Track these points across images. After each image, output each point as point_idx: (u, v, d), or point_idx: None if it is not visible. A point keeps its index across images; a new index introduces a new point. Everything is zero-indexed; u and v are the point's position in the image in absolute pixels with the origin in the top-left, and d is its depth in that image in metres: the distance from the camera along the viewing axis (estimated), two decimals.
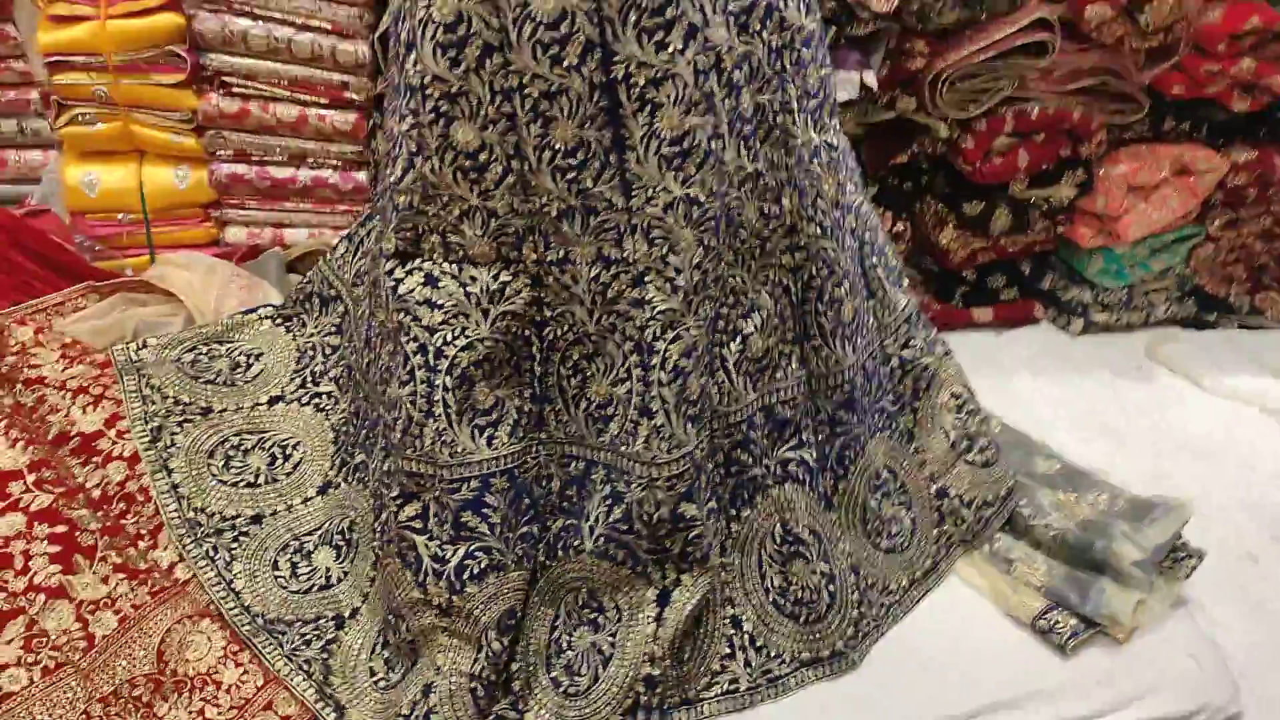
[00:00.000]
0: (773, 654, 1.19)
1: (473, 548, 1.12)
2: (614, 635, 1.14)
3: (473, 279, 1.11)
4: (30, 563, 1.13)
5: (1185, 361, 1.82)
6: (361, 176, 1.77)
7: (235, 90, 1.69)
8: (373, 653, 1.17)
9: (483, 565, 1.12)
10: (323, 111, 1.71)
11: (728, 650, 1.19)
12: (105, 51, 1.64)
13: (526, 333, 1.14)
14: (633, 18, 0.96)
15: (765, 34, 1.06)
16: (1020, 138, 1.71)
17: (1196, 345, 1.89)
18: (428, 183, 1.07)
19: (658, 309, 1.07)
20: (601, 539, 1.14)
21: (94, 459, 1.31)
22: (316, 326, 1.47)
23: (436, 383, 1.10)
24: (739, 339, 1.17)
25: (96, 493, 1.28)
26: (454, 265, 1.11)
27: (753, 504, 1.23)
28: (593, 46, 0.97)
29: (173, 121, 1.73)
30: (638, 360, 1.09)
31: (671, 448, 1.10)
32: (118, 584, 1.16)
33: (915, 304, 1.36)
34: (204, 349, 1.45)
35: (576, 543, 1.16)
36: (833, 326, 1.20)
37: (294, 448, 1.37)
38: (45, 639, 1.09)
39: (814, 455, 1.24)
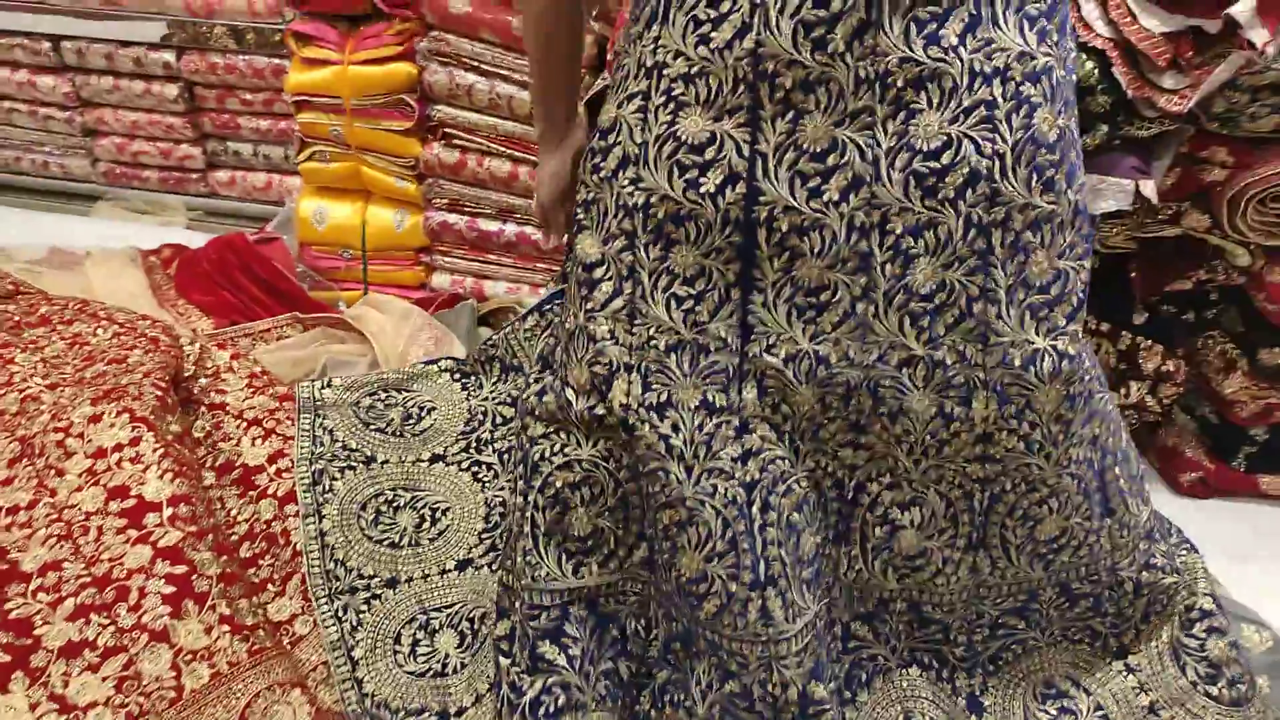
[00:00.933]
0: None
1: (550, 681, 1.02)
2: None
3: (574, 398, 1.02)
4: (144, 600, 1.13)
5: None
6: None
7: (455, 142, 1.70)
8: None
9: (559, 703, 1.02)
10: (533, 169, 1.68)
11: None
12: (344, 95, 1.70)
13: (625, 476, 1.04)
14: (789, 156, 0.88)
15: (963, 204, 0.89)
16: None
17: None
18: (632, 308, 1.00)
19: (766, 460, 0.97)
20: (716, 708, 1.02)
21: (250, 493, 1.32)
22: (493, 391, 1.42)
23: (531, 498, 1.02)
24: (887, 526, 1.02)
25: (243, 528, 1.28)
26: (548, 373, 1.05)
27: (869, 687, 1.07)
28: (737, 179, 0.90)
29: (398, 167, 1.77)
30: (744, 528, 0.96)
31: (791, 616, 0.97)
32: (219, 636, 1.14)
33: (1153, 512, 1.11)
34: (382, 395, 1.44)
35: (688, 703, 1.03)
36: (1019, 542, 1.03)
37: (444, 513, 1.32)
38: (138, 683, 1.08)
39: (959, 653, 1.07)
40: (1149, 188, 1.31)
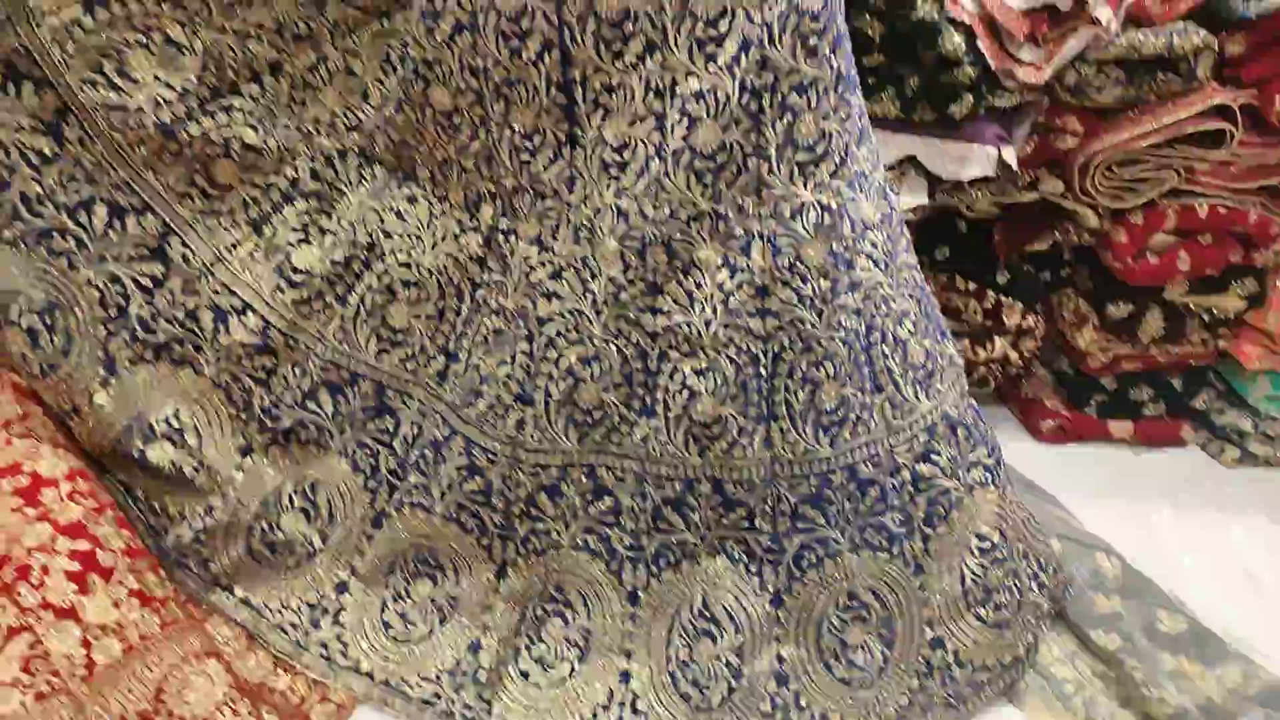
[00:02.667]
0: None
1: (304, 418, 1.19)
2: (454, 598, 1.20)
3: (442, 214, 1.16)
4: (47, 578, 1.10)
5: None
6: None
7: None
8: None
9: (303, 438, 1.20)
10: None
11: (604, 702, 1.14)
12: None
13: (460, 285, 1.17)
14: (591, 24, 0.98)
15: (738, 69, 0.99)
16: (1183, 236, 1.52)
17: None
18: (413, 130, 1.14)
19: (567, 306, 1.10)
20: (454, 504, 1.17)
21: None
22: None
23: (368, 280, 1.16)
24: (685, 392, 1.11)
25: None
26: (438, 198, 1.16)
27: (677, 567, 1.17)
28: (551, 46, 1.00)
29: None
30: (525, 349, 1.12)
31: (544, 440, 1.14)
32: (129, 610, 1.12)
33: (948, 416, 1.19)
34: None
35: (426, 503, 1.18)
36: (803, 409, 1.12)
37: None
38: (46, 661, 1.05)
39: (763, 543, 1.16)
40: (1010, 154, 1.42)
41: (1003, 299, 1.58)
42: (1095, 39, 1.33)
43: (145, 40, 1.06)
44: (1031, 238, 1.57)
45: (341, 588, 1.21)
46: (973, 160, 1.42)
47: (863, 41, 1.34)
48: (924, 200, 1.46)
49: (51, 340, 1.10)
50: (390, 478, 1.22)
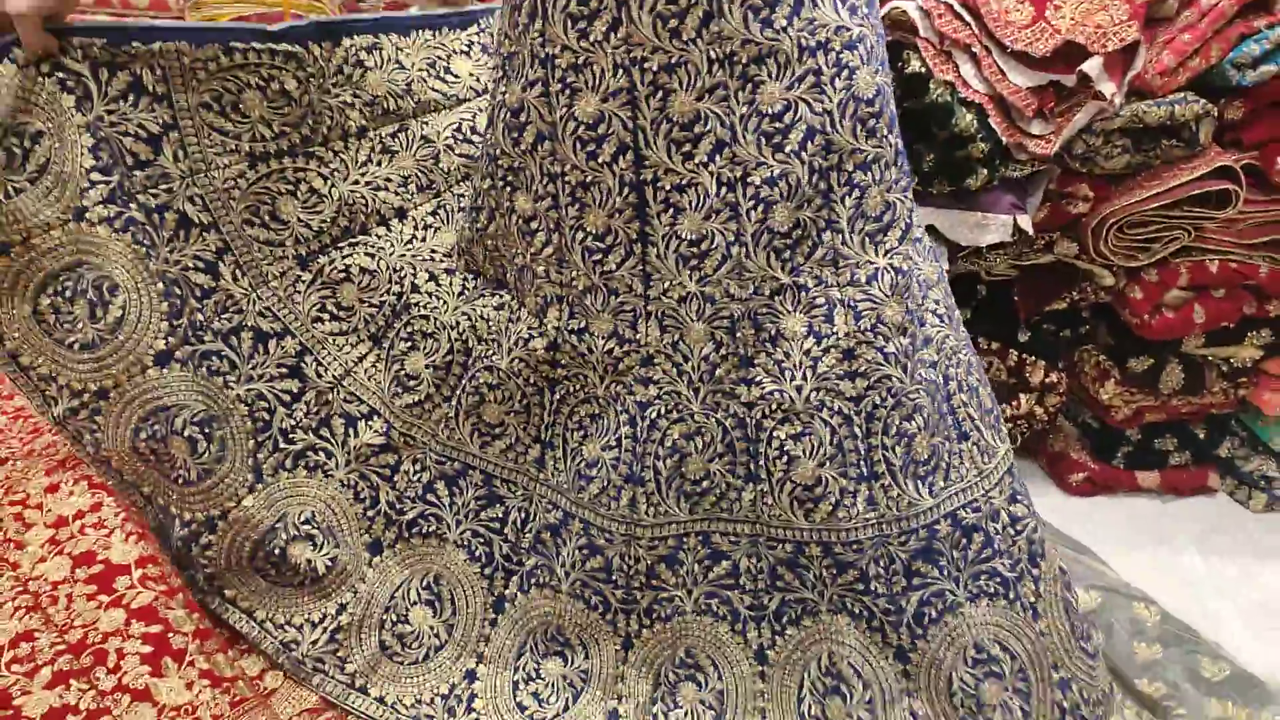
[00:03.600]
0: None
1: (425, 510, 1.27)
2: (585, 671, 1.24)
3: (517, 320, 1.24)
4: (123, 662, 1.14)
5: None
6: None
7: None
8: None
9: (428, 529, 1.27)
10: None
11: None
12: None
13: (538, 384, 1.25)
14: (664, 128, 1.06)
15: (805, 154, 1.08)
16: (1196, 291, 1.57)
17: None
18: (504, 237, 1.23)
19: (665, 389, 1.17)
20: (578, 583, 1.22)
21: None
22: None
23: (463, 382, 1.25)
24: (784, 458, 1.15)
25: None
26: (518, 304, 1.25)
27: (799, 624, 1.20)
28: (625, 149, 1.08)
29: None
30: (630, 432, 1.18)
31: (658, 515, 1.19)
32: (200, 690, 1.16)
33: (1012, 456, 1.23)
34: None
35: (553, 581, 1.24)
36: (902, 463, 1.15)
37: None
38: None
39: (880, 605, 1.17)
40: (1025, 221, 1.48)
41: (1025, 357, 1.63)
42: (1101, 111, 1.40)
43: (293, 189, 1.23)
44: (1050, 298, 1.62)
45: (470, 675, 1.25)
46: (990, 228, 1.48)
47: None
48: (945, 266, 1.51)
49: (209, 449, 1.20)
50: (505, 563, 1.29)
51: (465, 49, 1.32)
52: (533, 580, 1.26)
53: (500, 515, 1.29)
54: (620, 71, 1.05)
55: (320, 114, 1.23)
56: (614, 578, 1.21)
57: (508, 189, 1.19)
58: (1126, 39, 1.34)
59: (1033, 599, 1.18)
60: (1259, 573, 1.55)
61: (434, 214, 1.30)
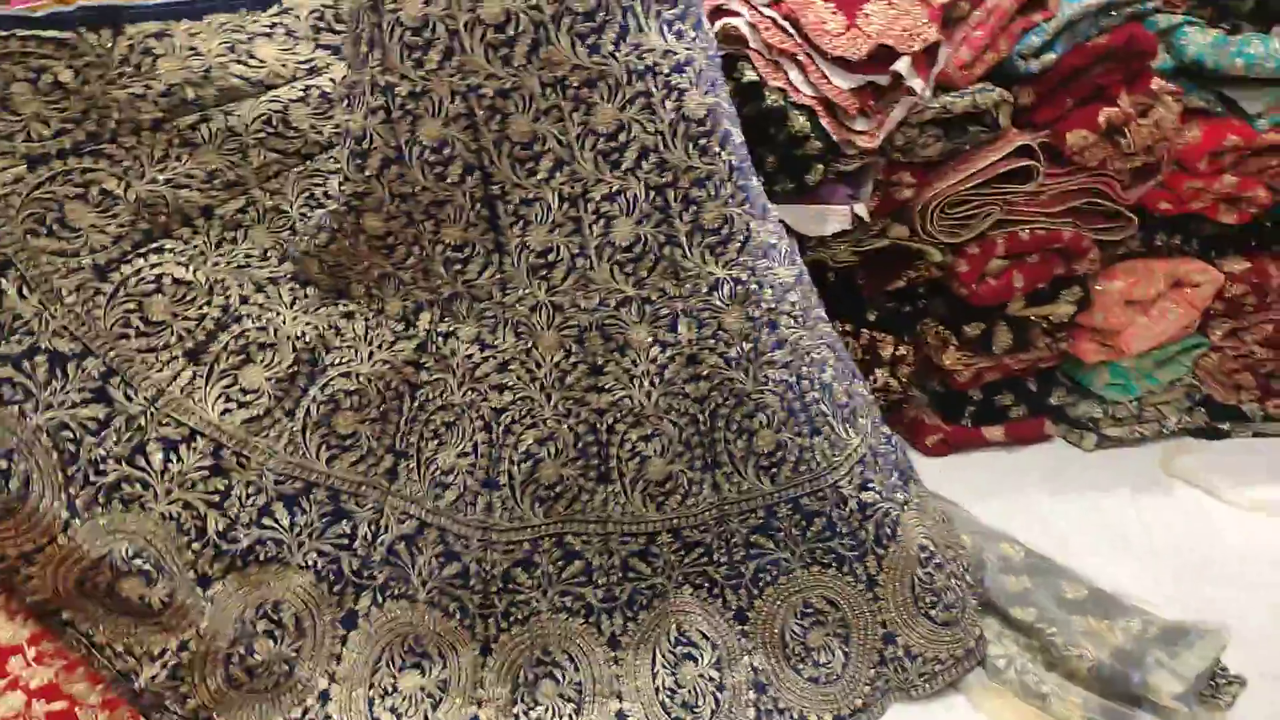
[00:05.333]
0: None
1: (263, 536, 1.22)
2: (443, 681, 1.24)
3: (378, 325, 1.24)
4: None
5: (1203, 474, 1.79)
6: None
7: None
8: None
9: (263, 556, 1.22)
10: None
11: None
12: None
13: (399, 389, 1.25)
14: (506, 147, 1.11)
15: (641, 172, 1.15)
16: (1013, 259, 1.73)
17: (1212, 456, 1.86)
18: (348, 254, 1.22)
19: (519, 394, 1.21)
20: (435, 591, 1.23)
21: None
22: None
23: (311, 392, 1.23)
24: (637, 459, 1.24)
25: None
26: (374, 311, 1.25)
27: (650, 607, 1.28)
28: (472, 169, 1.13)
29: None
30: (485, 438, 1.21)
31: (513, 519, 1.22)
32: None
33: (872, 446, 1.35)
34: None
35: (410, 591, 1.25)
36: (743, 455, 1.26)
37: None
38: None
39: (722, 573, 1.28)
40: (861, 209, 1.61)
41: (876, 335, 1.76)
42: (914, 105, 1.55)
43: (83, 192, 1.13)
44: (890, 278, 1.75)
45: (324, 697, 1.23)
46: (831, 218, 1.60)
47: None
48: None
49: (7, 484, 1.07)
50: (354, 579, 1.26)
51: (267, 30, 1.24)
52: (387, 593, 1.25)
53: (348, 531, 1.26)
54: (457, 98, 1.09)
55: (107, 107, 1.14)
56: (471, 583, 1.23)
57: (352, 213, 1.18)
58: (929, 39, 1.49)
59: (870, 573, 1.30)
60: (1098, 503, 1.73)
61: (243, 211, 1.23)
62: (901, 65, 1.49)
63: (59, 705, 1.13)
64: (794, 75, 1.52)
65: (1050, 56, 1.59)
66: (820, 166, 1.56)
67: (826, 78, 1.51)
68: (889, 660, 1.29)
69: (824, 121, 1.52)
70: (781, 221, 1.58)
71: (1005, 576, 1.44)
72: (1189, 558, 1.58)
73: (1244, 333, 1.89)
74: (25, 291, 1.12)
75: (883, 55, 1.49)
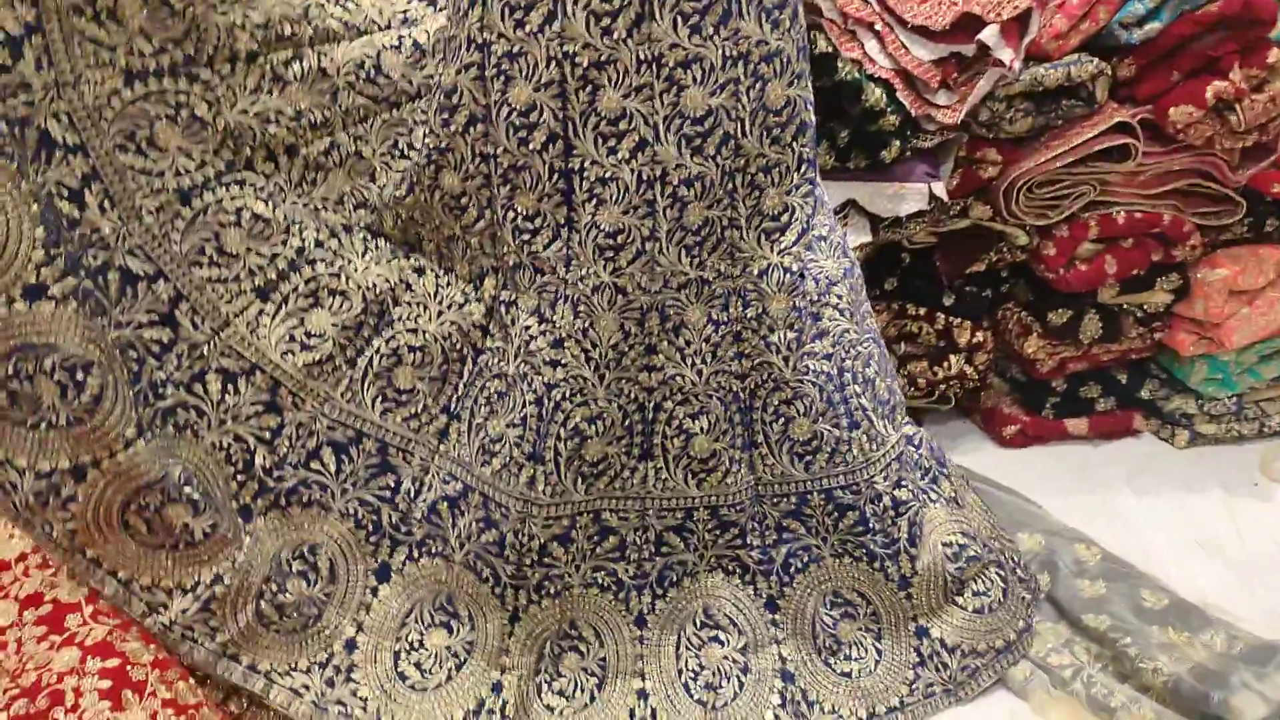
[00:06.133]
0: None
1: (309, 478, 1.21)
2: (470, 643, 1.24)
3: (448, 284, 1.24)
4: (81, 700, 1.12)
5: None
6: None
7: None
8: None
9: (310, 498, 1.22)
10: None
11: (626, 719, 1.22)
12: None
13: (464, 351, 1.25)
14: (592, 121, 1.11)
15: (719, 158, 1.14)
16: (1106, 243, 1.64)
17: None
18: (422, 209, 1.22)
19: (571, 372, 1.19)
20: (472, 554, 1.24)
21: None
22: None
23: (375, 343, 1.22)
24: (683, 435, 1.24)
25: None
26: (444, 270, 1.25)
27: (679, 585, 1.28)
28: (555, 138, 1.12)
29: None
30: (535, 412, 1.20)
31: (555, 494, 1.22)
32: None
33: (912, 444, 1.33)
34: None
35: (446, 551, 1.25)
36: (778, 439, 1.25)
37: None
38: None
39: (754, 557, 1.27)
40: (940, 188, 1.54)
41: (952, 319, 1.69)
42: (1001, 78, 1.46)
43: (174, 114, 1.13)
44: (970, 260, 1.68)
45: (350, 645, 1.23)
46: (907, 197, 1.53)
47: None
48: (868, 238, 1.56)
49: (80, 396, 1.05)
50: (393, 532, 1.26)
51: None
52: (424, 549, 1.25)
53: (392, 484, 1.25)
54: (553, 64, 1.09)
55: (206, 31, 1.11)
56: (506, 553, 1.23)
57: (432, 166, 1.19)
58: (1020, 6, 1.39)
59: (904, 573, 1.28)
60: (1187, 505, 1.63)
61: (327, 154, 1.21)
62: (989, 34, 1.40)
63: (112, 662, 1.15)
64: (870, 45, 1.45)
65: (1154, 25, 1.48)
66: (897, 143, 1.49)
67: (906, 48, 1.44)
68: (927, 658, 1.26)
69: (901, 95, 1.45)
70: (853, 201, 1.53)
71: (1078, 580, 1.37)
72: None
73: None
74: (106, 206, 1.09)
75: (968, 23, 1.41)
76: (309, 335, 1.21)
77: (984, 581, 1.30)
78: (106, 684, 1.14)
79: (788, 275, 1.21)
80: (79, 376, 1.04)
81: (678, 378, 1.23)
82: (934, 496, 1.33)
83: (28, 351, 1.02)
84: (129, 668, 1.16)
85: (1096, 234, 1.62)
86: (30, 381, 1.03)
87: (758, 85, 1.12)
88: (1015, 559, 1.37)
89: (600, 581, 1.27)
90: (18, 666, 1.15)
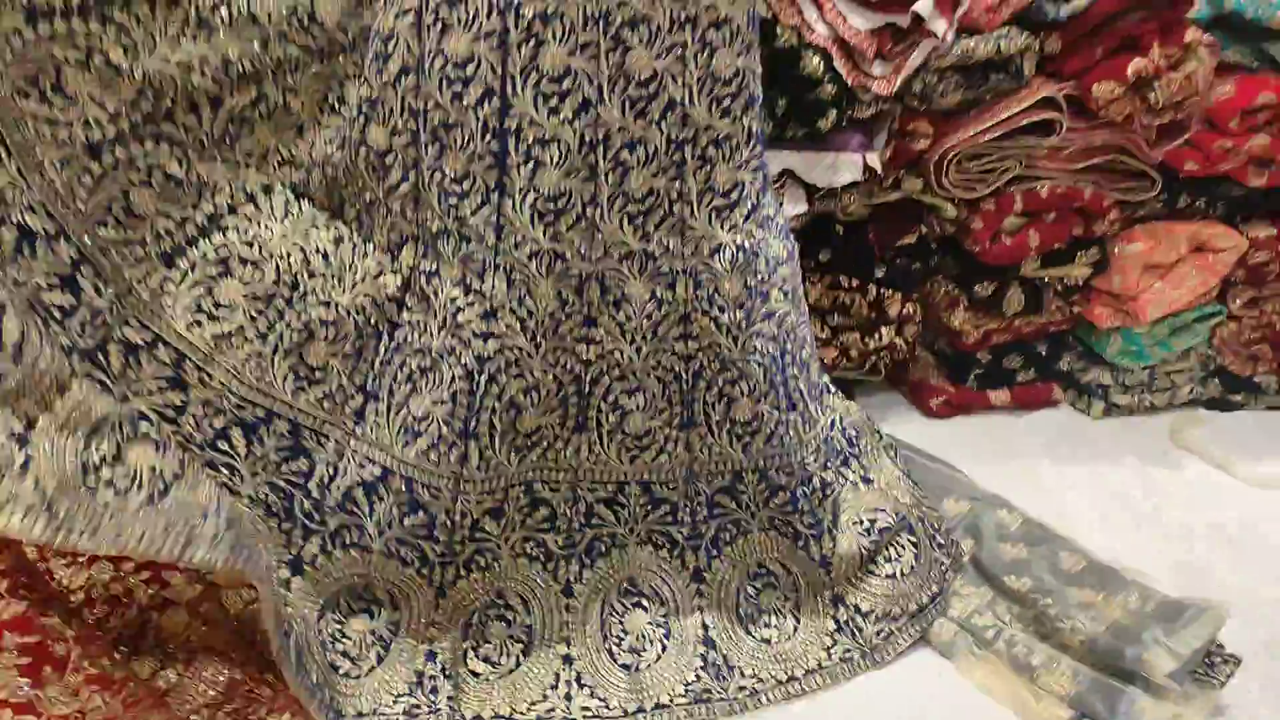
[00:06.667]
0: (598, 696, 1.21)
1: (215, 459, 1.15)
2: (394, 623, 1.21)
3: (364, 255, 1.18)
4: None
5: (1213, 446, 1.75)
6: None
7: None
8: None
9: (217, 481, 1.15)
10: None
11: (552, 683, 1.22)
12: None
13: (379, 325, 1.19)
14: (533, 78, 1.06)
15: (664, 124, 1.12)
16: (1030, 217, 1.68)
17: (1224, 428, 1.82)
18: (346, 170, 1.16)
19: (505, 343, 1.15)
20: (392, 541, 1.19)
21: (80, 558, 1.27)
22: None
23: (287, 317, 1.14)
24: (618, 411, 1.23)
25: (80, 595, 1.23)
26: (362, 239, 1.19)
27: (607, 556, 1.28)
28: (491, 94, 1.07)
29: None
30: (465, 387, 1.15)
31: (488, 469, 1.19)
32: (89, 696, 1.11)
33: (835, 427, 1.36)
34: None
35: (363, 541, 1.20)
36: (720, 419, 1.25)
37: None
38: None
39: (685, 533, 1.28)
40: (874, 159, 1.55)
41: (883, 291, 1.72)
42: (934, 50, 1.48)
43: (85, 60, 1.02)
44: (901, 233, 1.70)
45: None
46: (842, 167, 1.55)
47: None
48: (804, 208, 1.58)
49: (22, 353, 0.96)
50: (306, 521, 1.20)
51: None
52: (338, 541, 1.20)
53: (305, 469, 1.20)
54: (495, 13, 1.04)
55: None
56: (436, 533, 1.20)
57: (361, 118, 1.13)
58: None
59: (825, 553, 1.30)
60: (1102, 473, 1.70)
61: (253, 106, 1.12)
62: (923, 6, 1.42)
63: (32, 638, 1.11)
64: (809, 13, 1.45)
65: (1081, 2, 1.51)
66: (834, 112, 1.50)
67: (843, 17, 1.44)
68: (844, 624, 1.29)
69: (839, 64, 1.46)
70: (789, 171, 1.54)
71: (1001, 544, 1.41)
72: (1194, 532, 1.54)
73: (1264, 302, 1.83)
74: (3, 157, 1.01)
75: None
76: (218, 306, 1.13)
77: (896, 549, 1.33)
78: (26, 660, 1.09)
79: (741, 254, 1.19)
80: None
81: (616, 353, 1.21)
82: (847, 478, 1.36)
83: None
84: (50, 643, 1.12)
85: (1021, 208, 1.66)
86: None
87: (705, 52, 1.10)
88: (935, 526, 1.40)
89: (529, 551, 1.26)
90: None
